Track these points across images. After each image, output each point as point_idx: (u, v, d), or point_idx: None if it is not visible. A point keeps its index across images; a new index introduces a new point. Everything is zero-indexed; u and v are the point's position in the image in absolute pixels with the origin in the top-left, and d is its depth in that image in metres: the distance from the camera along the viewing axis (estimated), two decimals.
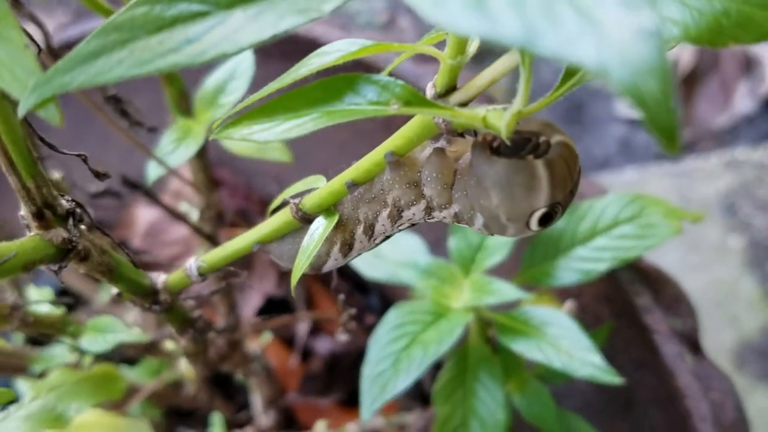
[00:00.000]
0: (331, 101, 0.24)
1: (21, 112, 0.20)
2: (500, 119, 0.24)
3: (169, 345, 0.54)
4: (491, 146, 0.26)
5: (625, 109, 1.76)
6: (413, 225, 0.32)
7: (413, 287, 0.58)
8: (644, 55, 0.13)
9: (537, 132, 0.26)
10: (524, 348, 0.51)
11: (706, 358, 0.54)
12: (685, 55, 1.72)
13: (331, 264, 0.35)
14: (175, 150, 0.50)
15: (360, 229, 0.32)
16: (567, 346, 0.50)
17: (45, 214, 0.28)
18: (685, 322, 0.54)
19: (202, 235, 0.58)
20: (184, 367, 0.52)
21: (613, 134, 1.72)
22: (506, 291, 0.53)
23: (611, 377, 0.47)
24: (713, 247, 1.22)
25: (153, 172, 0.51)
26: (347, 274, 0.81)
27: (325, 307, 0.78)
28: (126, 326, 0.47)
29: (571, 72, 0.26)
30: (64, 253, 0.28)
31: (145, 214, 0.79)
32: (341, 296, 0.46)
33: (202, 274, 0.37)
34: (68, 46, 0.24)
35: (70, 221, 0.29)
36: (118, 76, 0.20)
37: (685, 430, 0.51)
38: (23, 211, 0.28)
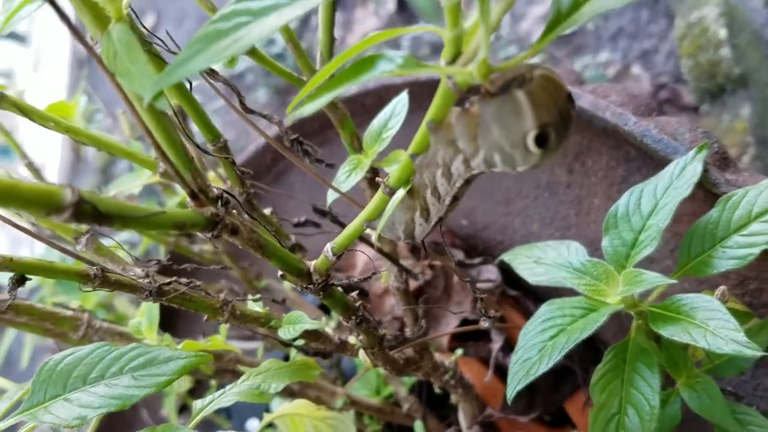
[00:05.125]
0: (359, 75, 0.33)
1: (145, 103, 0.32)
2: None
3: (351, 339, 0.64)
4: (489, 92, 0.32)
5: None
6: (467, 183, 0.38)
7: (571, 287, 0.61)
8: None
9: (523, 73, 0.31)
10: (672, 332, 0.52)
11: None
12: None
13: (419, 230, 0.42)
14: (347, 179, 0.62)
15: (428, 193, 0.39)
16: (713, 326, 0.50)
17: (199, 196, 0.40)
18: None
19: (385, 256, 0.68)
20: (363, 359, 0.61)
21: None
22: (654, 279, 0.54)
23: (753, 352, 0.46)
24: None
25: (330, 197, 0.62)
26: (533, 293, 0.84)
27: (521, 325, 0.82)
28: (312, 320, 0.58)
29: (551, 26, 0.32)
30: (213, 224, 0.40)
31: (361, 258, 0.93)
32: (467, 280, 0.52)
33: (335, 254, 0.46)
34: None
35: (219, 203, 0.41)
36: (198, 68, 0.31)
37: None
38: (188, 199, 0.40)
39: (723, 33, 1.62)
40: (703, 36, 1.64)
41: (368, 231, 0.73)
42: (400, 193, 0.40)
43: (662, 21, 1.72)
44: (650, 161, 0.69)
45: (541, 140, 0.31)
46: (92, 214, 0.31)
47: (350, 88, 0.93)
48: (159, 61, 0.44)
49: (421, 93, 0.70)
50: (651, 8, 1.70)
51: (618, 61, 1.76)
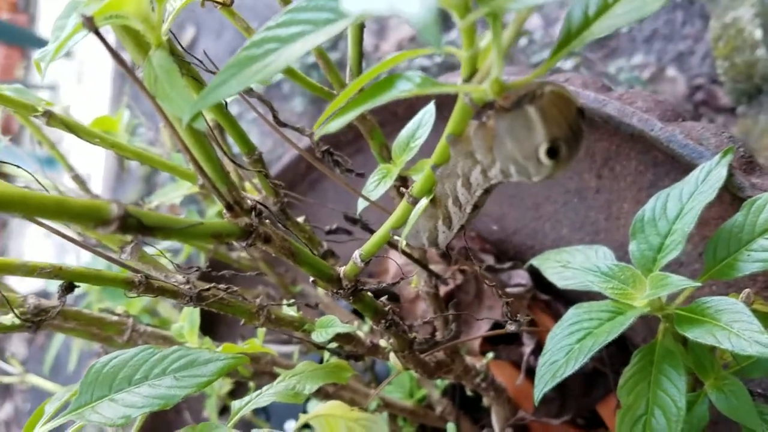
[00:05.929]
0: (379, 95, 0.35)
1: (183, 123, 0.34)
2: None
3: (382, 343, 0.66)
4: (503, 108, 0.34)
5: None
6: (486, 192, 0.40)
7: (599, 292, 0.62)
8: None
9: (534, 89, 0.33)
10: (697, 334, 0.53)
11: None
12: None
13: (443, 237, 0.43)
14: (376, 188, 0.64)
15: (450, 202, 0.41)
16: (737, 328, 0.50)
17: (234, 208, 0.42)
18: None
19: (415, 261, 0.70)
20: (393, 362, 0.63)
21: None
22: (679, 282, 0.55)
23: None
24: None
25: (361, 205, 0.64)
26: (563, 297, 0.85)
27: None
28: (344, 324, 0.60)
29: (561, 44, 0.33)
30: (247, 233, 0.42)
31: (393, 264, 0.95)
32: (493, 285, 0.54)
33: (363, 260, 0.48)
34: None
35: (253, 213, 0.43)
36: (232, 92, 0.33)
37: None
38: (224, 210, 0.43)
39: (759, 34, 1.60)
40: (738, 37, 1.62)
41: (396, 237, 0.75)
42: (423, 202, 0.42)
43: (697, 22, 1.70)
44: (678, 166, 0.69)
45: (552, 153, 0.33)
46: (137, 226, 0.33)
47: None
48: (196, 81, 0.46)
49: (449, 102, 0.72)
50: (686, 10, 1.69)
51: (653, 63, 1.74)
